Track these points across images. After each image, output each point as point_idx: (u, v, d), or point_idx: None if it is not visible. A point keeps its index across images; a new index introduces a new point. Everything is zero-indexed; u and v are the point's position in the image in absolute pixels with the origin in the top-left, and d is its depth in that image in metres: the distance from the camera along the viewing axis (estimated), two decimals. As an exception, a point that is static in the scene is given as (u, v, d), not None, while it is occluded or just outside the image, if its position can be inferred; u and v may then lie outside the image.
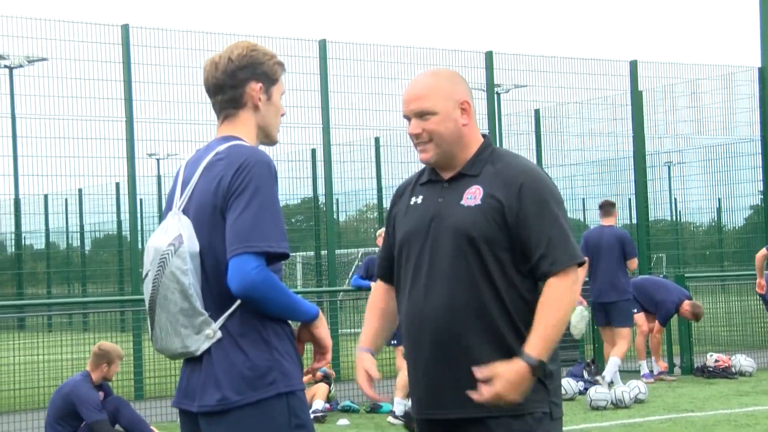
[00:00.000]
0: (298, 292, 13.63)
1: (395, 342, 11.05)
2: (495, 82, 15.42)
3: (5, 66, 15.63)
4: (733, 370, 13.13)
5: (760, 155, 16.86)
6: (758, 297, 13.48)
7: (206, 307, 3.11)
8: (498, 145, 3.60)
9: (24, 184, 15.00)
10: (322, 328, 3.23)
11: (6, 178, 13.77)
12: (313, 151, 15.67)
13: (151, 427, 8.60)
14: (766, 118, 16.62)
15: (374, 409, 11.12)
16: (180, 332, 3.13)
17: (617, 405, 10.65)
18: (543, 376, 3.24)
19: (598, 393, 10.77)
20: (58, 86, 12.64)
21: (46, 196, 20.55)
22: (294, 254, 19.13)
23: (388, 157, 16.25)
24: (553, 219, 3.29)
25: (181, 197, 3.23)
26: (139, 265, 11.92)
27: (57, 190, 15.84)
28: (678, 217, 20.88)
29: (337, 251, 15.75)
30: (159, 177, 19.12)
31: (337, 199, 16.27)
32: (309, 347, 3.30)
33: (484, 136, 3.50)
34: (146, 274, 3.19)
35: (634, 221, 16.47)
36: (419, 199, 3.46)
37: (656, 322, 13.04)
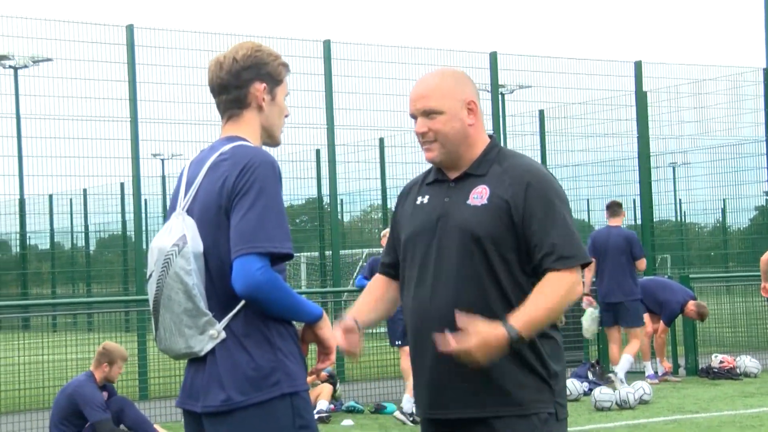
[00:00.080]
0: (302, 293, 13.61)
1: (399, 342, 11.06)
2: (499, 83, 15.42)
3: (10, 66, 15.67)
4: (737, 371, 13.11)
5: (765, 156, 16.83)
6: (765, 299, 13.48)
7: (210, 308, 3.11)
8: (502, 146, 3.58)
9: (29, 184, 15.05)
10: (326, 329, 3.22)
11: (11, 178, 13.79)
12: (318, 152, 15.68)
13: (155, 426, 8.61)
14: (771, 118, 16.59)
15: (379, 409, 11.13)
16: (184, 332, 3.13)
17: (622, 406, 10.64)
18: (515, 347, 3.18)
19: (602, 394, 10.76)
20: (63, 86, 12.67)
21: (50, 196, 20.60)
22: (298, 255, 19.14)
23: (392, 158, 16.27)
24: (559, 218, 3.29)
25: (185, 197, 3.23)
26: (143, 265, 11.91)
27: (62, 190, 15.86)
28: (683, 217, 20.87)
29: (342, 252, 15.75)
30: (163, 177, 19.15)
31: (342, 200, 16.27)
32: (313, 348, 3.29)
33: (490, 136, 3.50)
34: (150, 275, 3.19)
35: (639, 222, 16.45)
36: (425, 199, 3.46)
37: (661, 322, 13.04)
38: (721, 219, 20.80)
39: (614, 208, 12.27)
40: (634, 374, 12.31)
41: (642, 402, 10.85)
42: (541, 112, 16.54)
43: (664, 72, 16.55)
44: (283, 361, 3.10)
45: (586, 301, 12.21)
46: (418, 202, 3.48)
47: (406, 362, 10.79)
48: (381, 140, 16.11)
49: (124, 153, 12.83)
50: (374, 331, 13.62)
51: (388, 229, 3.71)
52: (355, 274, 17.72)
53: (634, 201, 16.96)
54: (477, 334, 3.13)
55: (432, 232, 3.37)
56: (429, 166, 3.57)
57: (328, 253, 15.01)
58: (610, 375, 11.62)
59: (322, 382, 10.95)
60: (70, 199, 21.39)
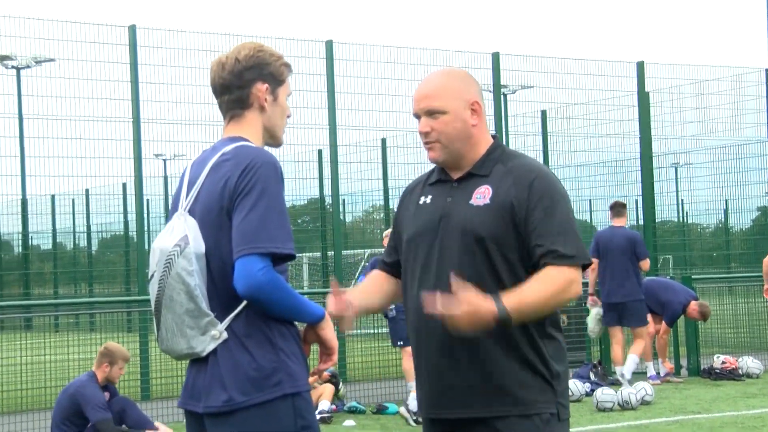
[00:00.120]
0: (304, 293, 13.62)
1: (401, 343, 11.06)
2: (501, 83, 15.42)
3: (13, 66, 15.68)
4: (740, 371, 13.11)
5: (768, 156, 16.83)
6: (767, 300, 13.47)
7: (212, 308, 3.11)
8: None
9: (31, 184, 15.05)
10: (328, 330, 3.22)
11: (13, 178, 13.79)
12: (320, 152, 15.68)
13: (158, 424, 8.60)
14: (773, 119, 16.58)
15: (380, 410, 11.13)
16: (186, 333, 3.13)
17: (624, 406, 10.64)
18: (498, 324, 3.14)
19: (604, 394, 10.76)
20: (65, 87, 12.67)
21: (53, 197, 20.61)
22: (300, 255, 19.13)
23: (394, 158, 16.27)
24: (562, 217, 3.28)
25: (187, 198, 3.23)
26: (145, 265, 11.92)
27: (64, 190, 15.87)
28: (685, 218, 20.86)
29: (344, 252, 15.75)
30: (166, 177, 19.16)
31: (344, 200, 16.27)
32: (315, 348, 3.29)
33: (494, 137, 3.50)
34: (152, 275, 3.19)
35: (641, 222, 16.44)
36: (428, 199, 3.46)
37: (663, 323, 13.04)
38: (723, 220, 20.78)
39: (618, 209, 12.28)
40: (636, 375, 12.30)
41: (644, 403, 10.85)
42: (544, 113, 16.53)
43: (666, 72, 16.56)
44: (284, 361, 3.10)
45: (590, 301, 12.24)
46: (420, 202, 3.48)
47: (407, 363, 10.80)
48: (383, 141, 16.11)
49: (126, 153, 12.85)
50: (376, 331, 13.63)
51: (390, 230, 3.71)
52: (357, 274, 17.72)
53: (637, 201, 16.95)
54: (467, 303, 3.09)
55: (434, 232, 3.37)
56: (431, 166, 3.56)
57: (330, 253, 15.00)
58: (619, 378, 11.65)
59: (324, 382, 10.95)
60: (73, 200, 21.41)
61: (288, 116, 3.39)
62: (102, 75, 12.79)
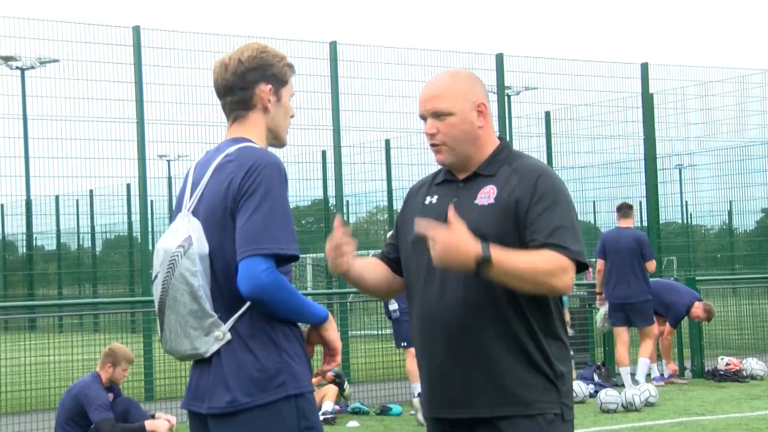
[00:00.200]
0: (307, 294, 13.61)
1: (405, 344, 11.06)
2: (505, 85, 15.41)
3: (17, 67, 15.69)
4: (744, 373, 13.10)
5: (772, 158, 16.82)
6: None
7: (216, 309, 3.11)
8: (507, 148, 3.57)
9: (35, 185, 15.05)
10: (332, 331, 3.22)
11: (17, 179, 13.82)
12: (324, 153, 15.68)
13: (160, 413, 8.59)
14: (777, 120, 16.57)
15: (384, 411, 11.13)
16: (189, 334, 3.13)
17: (628, 408, 10.63)
18: (478, 266, 3.10)
19: (608, 396, 10.75)
20: (70, 87, 12.68)
21: (57, 197, 20.63)
22: (304, 256, 19.13)
23: (398, 159, 16.25)
24: (565, 215, 3.26)
25: (190, 199, 3.23)
26: (149, 266, 11.93)
27: (68, 191, 15.89)
28: (689, 219, 20.84)
29: (348, 253, 15.66)
30: (170, 178, 19.17)
31: (347, 201, 16.26)
32: (318, 349, 3.29)
33: (500, 138, 3.50)
34: (156, 276, 3.19)
35: (645, 224, 16.43)
36: (434, 199, 3.46)
37: (667, 324, 13.04)
38: (727, 221, 20.77)
39: (625, 210, 12.30)
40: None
41: (648, 404, 10.84)
42: (548, 114, 16.52)
43: (670, 74, 16.55)
44: (288, 362, 3.10)
45: (599, 300, 12.28)
46: (426, 202, 3.48)
47: (411, 364, 10.79)
48: (387, 142, 16.10)
49: (130, 154, 12.86)
50: (380, 332, 13.63)
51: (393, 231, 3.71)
52: (361, 275, 17.66)
53: (641, 203, 16.94)
54: (454, 234, 3.09)
55: (440, 232, 3.37)
56: (435, 168, 3.56)
57: (333, 254, 14.98)
58: (625, 380, 11.69)
59: (329, 382, 10.95)
60: (77, 200, 21.43)
61: (291, 117, 3.39)
62: (106, 76, 12.81)
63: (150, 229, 14.68)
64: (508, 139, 15.43)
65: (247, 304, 3.09)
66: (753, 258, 19.40)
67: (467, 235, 3.10)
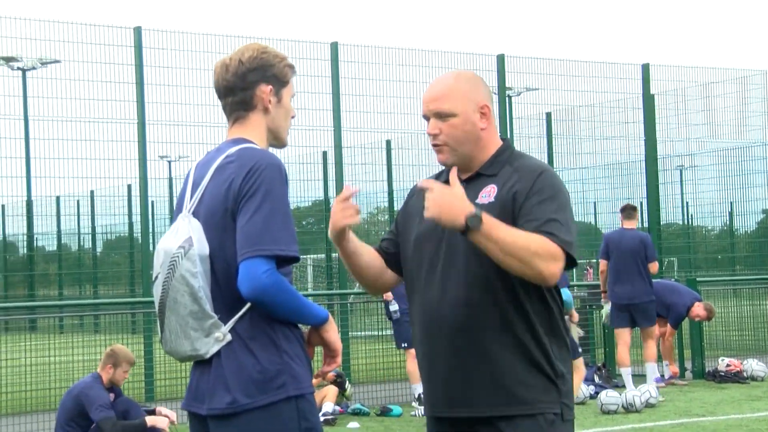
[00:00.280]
0: (308, 295, 13.61)
1: (405, 345, 11.06)
2: (506, 85, 15.41)
3: (18, 68, 15.69)
4: (744, 374, 13.10)
5: (773, 159, 16.81)
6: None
7: (216, 310, 3.11)
8: (509, 149, 3.56)
9: (36, 185, 15.07)
10: (332, 332, 3.22)
11: (18, 180, 13.81)
12: (324, 154, 15.68)
13: (160, 408, 8.58)
14: (778, 121, 16.56)
15: (384, 412, 11.12)
16: (190, 335, 3.13)
17: (628, 409, 10.63)
18: (466, 228, 3.12)
19: (608, 397, 10.75)
20: (71, 88, 12.68)
21: (58, 198, 20.63)
22: (305, 257, 19.14)
23: (399, 160, 16.23)
24: (560, 209, 3.25)
25: (191, 200, 3.23)
26: (150, 267, 11.93)
27: (69, 191, 15.89)
28: (690, 220, 20.83)
29: (348, 254, 15.67)
30: (171, 179, 19.17)
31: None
32: (319, 350, 3.29)
33: (503, 139, 3.50)
34: (156, 277, 3.19)
35: (646, 225, 16.43)
36: None
37: (668, 325, 13.04)
38: (728, 222, 20.76)
39: (629, 211, 12.32)
40: (640, 377, 12.29)
41: (648, 405, 10.83)
42: (549, 115, 16.51)
43: (671, 75, 16.54)
44: (288, 363, 3.10)
45: (604, 298, 12.32)
46: (429, 201, 3.48)
47: (412, 365, 10.79)
48: (388, 142, 16.09)
49: (131, 155, 12.86)
50: (380, 333, 13.63)
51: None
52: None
53: (641, 204, 16.93)
54: (451, 190, 3.14)
55: (441, 232, 3.36)
56: (436, 168, 3.57)
57: (334, 255, 15.00)
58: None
59: (330, 383, 10.95)
60: (77, 201, 21.43)
61: (292, 117, 3.39)
62: (107, 76, 12.80)
63: (151, 229, 14.68)
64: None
65: (248, 305, 3.09)
66: (754, 259, 19.39)
67: (464, 196, 3.15)
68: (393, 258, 3.54)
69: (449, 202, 3.12)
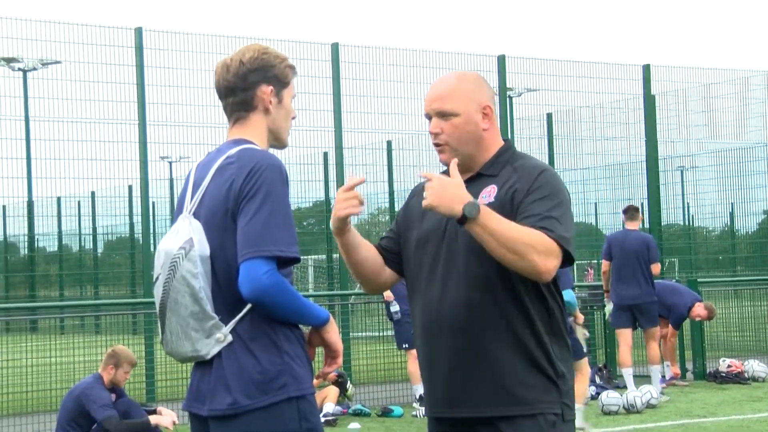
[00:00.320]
0: (309, 296, 13.61)
1: (406, 346, 11.06)
2: (507, 86, 15.41)
3: (19, 69, 15.69)
4: (745, 375, 13.09)
5: (774, 160, 16.81)
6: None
7: (217, 311, 3.11)
8: (509, 149, 3.56)
9: (37, 186, 15.07)
10: (333, 333, 3.22)
11: (19, 180, 13.81)
12: (325, 154, 15.68)
13: (161, 408, 8.58)
14: (779, 122, 16.56)
15: (385, 412, 11.12)
16: (190, 336, 3.13)
17: (629, 410, 10.62)
18: (463, 219, 3.12)
19: (609, 398, 10.75)
20: (72, 89, 12.68)
21: (58, 199, 20.63)
22: (305, 257, 19.13)
23: (400, 161, 16.23)
24: (559, 207, 3.25)
25: (191, 200, 3.22)
26: (151, 267, 11.92)
27: (70, 192, 15.89)
28: (691, 221, 20.83)
29: (349, 254, 15.66)
30: (171, 180, 19.17)
31: (349, 202, 16.21)
32: (320, 351, 3.29)
33: (505, 140, 3.50)
34: (157, 278, 3.19)
35: (647, 225, 16.42)
36: None
37: (669, 326, 13.05)
38: (729, 223, 20.76)
39: (632, 212, 12.33)
40: (641, 378, 12.29)
41: (649, 406, 10.83)
42: (549, 116, 16.51)
43: (672, 75, 16.54)
44: (289, 364, 3.09)
45: (607, 297, 12.33)
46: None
47: (413, 365, 10.79)
48: (389, 143, 16.09)
49: (132, 155, 12.85)
50: (381, 334, 13.62)
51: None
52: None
53: (642, 204, 16.91)
54: (451, 180, 3.17)
55: (442, 232, 3.37)
56: (437, 168, 3.56)
57: (335, 256, 15.00)
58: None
59: (332, 383, 10.95)
60: (78, 202, 21.42)
61: (293, 118, 3.39)
62: (108, 77, 12.81)
63: (151, 230, 14.67)
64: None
65: (248, 306, 3.08)
66: (755, 260, 19.39)
67: (462, 185, 3.17)
68: (392, 256, 3.54)
69: (448, 191, 3.14)
